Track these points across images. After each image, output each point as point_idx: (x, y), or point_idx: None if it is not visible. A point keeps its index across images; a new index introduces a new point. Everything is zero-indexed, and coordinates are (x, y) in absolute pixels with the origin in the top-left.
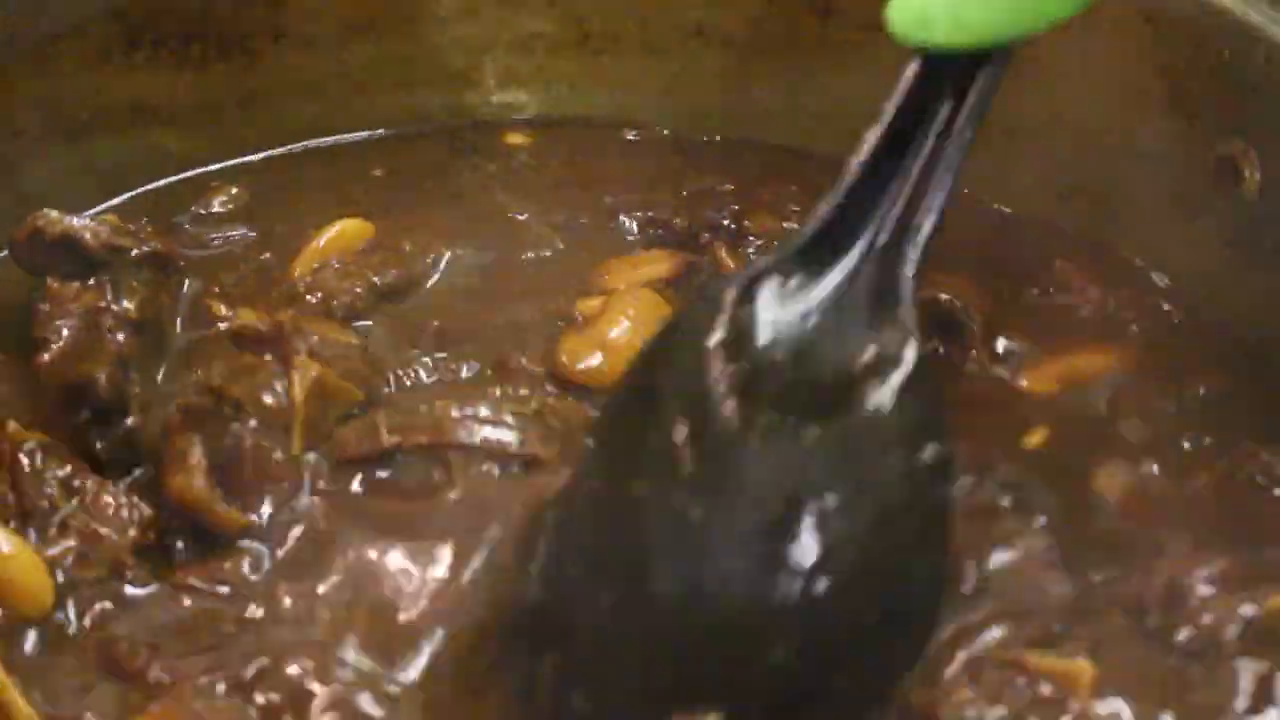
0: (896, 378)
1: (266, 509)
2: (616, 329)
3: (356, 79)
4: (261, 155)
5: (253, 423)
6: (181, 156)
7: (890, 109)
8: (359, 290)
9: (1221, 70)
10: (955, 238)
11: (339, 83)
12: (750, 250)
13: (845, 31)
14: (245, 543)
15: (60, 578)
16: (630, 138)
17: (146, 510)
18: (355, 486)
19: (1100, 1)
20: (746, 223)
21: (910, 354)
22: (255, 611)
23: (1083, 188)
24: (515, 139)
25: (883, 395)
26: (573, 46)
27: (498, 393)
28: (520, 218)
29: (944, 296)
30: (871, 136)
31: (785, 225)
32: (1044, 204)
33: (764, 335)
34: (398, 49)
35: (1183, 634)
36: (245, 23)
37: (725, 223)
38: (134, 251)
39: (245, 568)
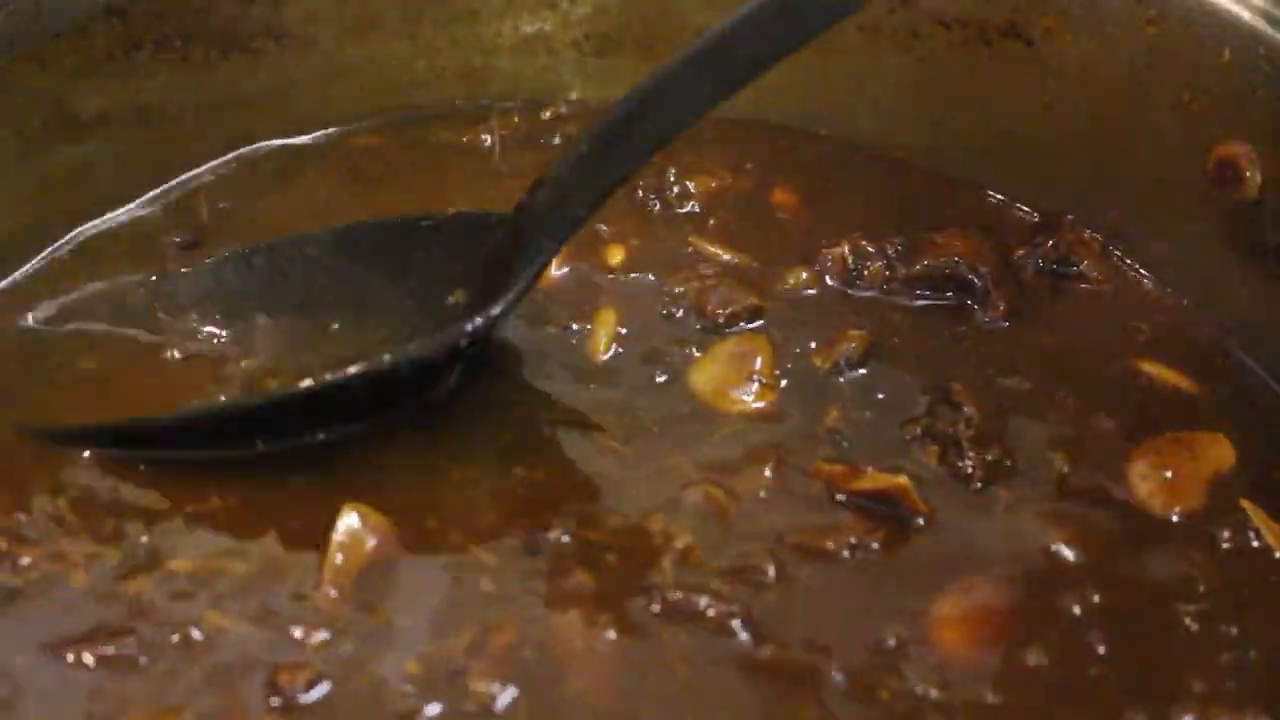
0: None
1: None
2: None
3: (357, 79)
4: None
5: None
6: (183, 156)
7: None
8: None
9: (1221, 70)
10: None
11: (339, 83)
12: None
13: (846, 33)
14: None
15: None
16: None
17: None
18: None
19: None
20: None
21: None
22: None
23: (1083, 187)
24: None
25: None
26: (574, 47)
27: None
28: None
29: (958, 259)
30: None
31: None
32: (1041, 199)
33: None
34: (398, 50)
35: None
36: (245, 23)
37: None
38: None
39: None
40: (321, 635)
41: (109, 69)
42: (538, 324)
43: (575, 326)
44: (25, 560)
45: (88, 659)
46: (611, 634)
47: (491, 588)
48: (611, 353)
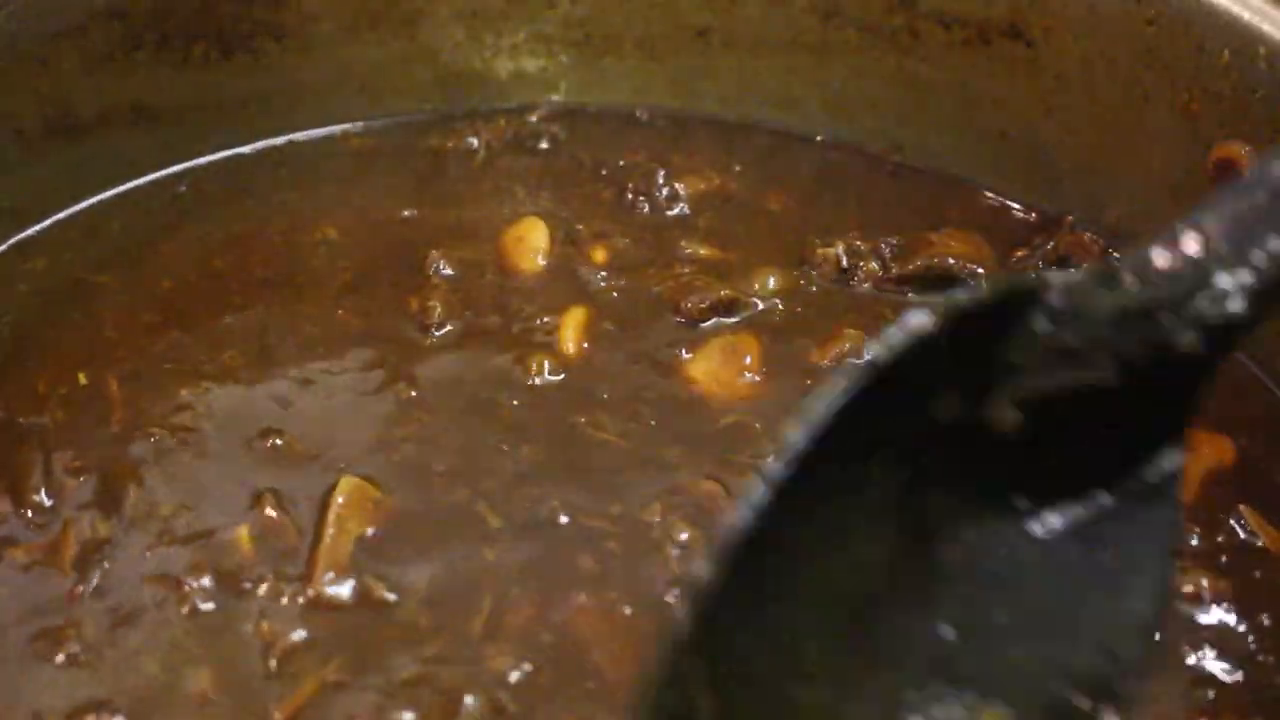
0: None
1: None
2: None
3: (357, 80)
4: (260, 153)
5: None
6: (183, 156)
7: None
8: None
9: (1221, 70)
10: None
11: (339, 83)
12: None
13: (846, 32)
14: None
15: None
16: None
17: None
18: None
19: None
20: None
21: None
22: None
23: (1083, 187)
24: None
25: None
26: (574, 48)
27: None
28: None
29: (951, 259)
30: None
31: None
32: (1041, 199)
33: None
34: (398, 50)
35: None
36: (246, 23)
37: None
38: None
39: None
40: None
41: (109, 69)
42: (509, 319)
43: (547, 319)
44: None
45: None
46: (627, 610)
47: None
48: (584, 351)
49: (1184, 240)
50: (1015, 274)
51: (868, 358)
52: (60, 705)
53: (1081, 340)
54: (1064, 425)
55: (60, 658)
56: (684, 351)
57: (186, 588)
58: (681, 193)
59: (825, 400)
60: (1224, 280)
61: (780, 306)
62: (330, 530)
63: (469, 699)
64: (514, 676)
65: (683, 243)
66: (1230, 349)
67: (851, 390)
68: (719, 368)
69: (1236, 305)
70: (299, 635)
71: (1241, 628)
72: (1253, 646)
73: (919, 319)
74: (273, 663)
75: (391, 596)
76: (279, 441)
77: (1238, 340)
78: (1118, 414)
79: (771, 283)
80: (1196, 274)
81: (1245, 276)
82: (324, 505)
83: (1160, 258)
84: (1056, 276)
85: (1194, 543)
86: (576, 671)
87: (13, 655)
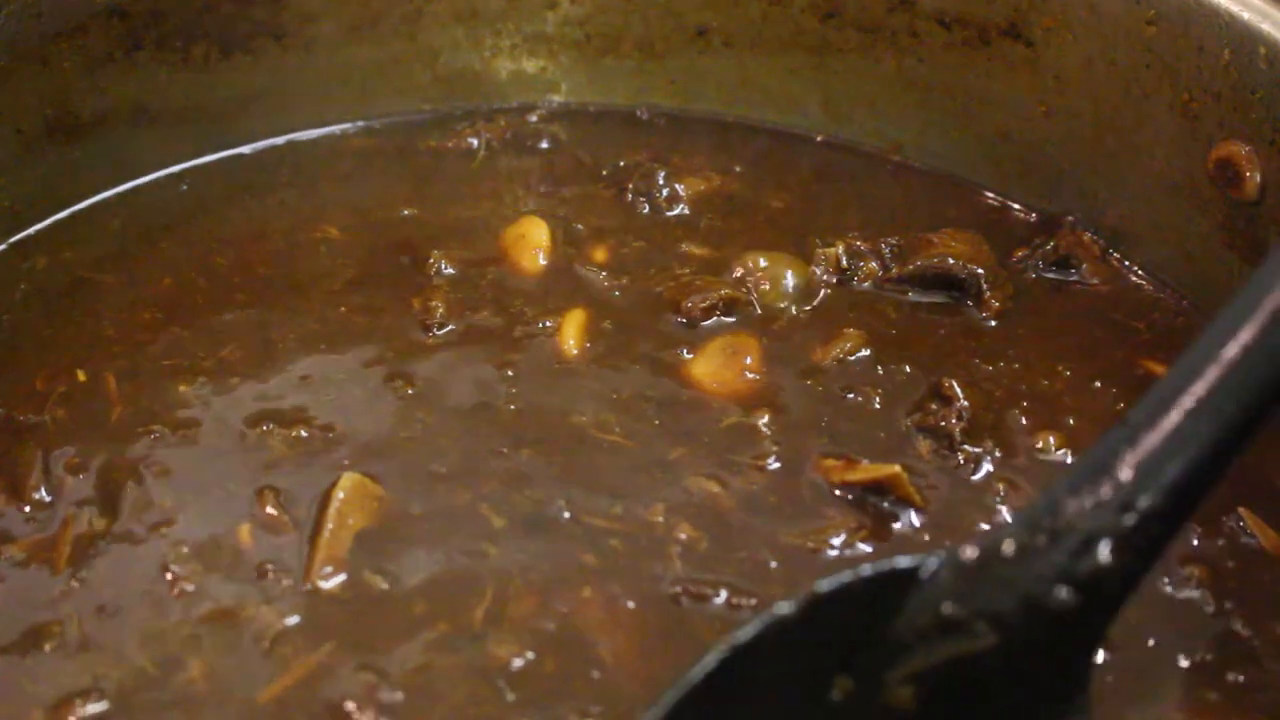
0: None
1: None
2: None
3: (356, 80)
4: (260, 153)
5: None
6: (183, 156)
7: None
8: None
9: (1221, 70)
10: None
11: (339, 83)
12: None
13: (846, 32)
14: None
15: None
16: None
17: None
18: None
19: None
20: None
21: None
22: None
23: (1083, 187)
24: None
25: None
26: (574, 48)
27: None
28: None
29: (952, 259)
30: None
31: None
32: (1041, 199)
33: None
34: (398, 50)
35: None
36: (245, 23)
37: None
38: None
39: None
40: None
41: (109, 69)
42: (510, 318)
43: (550, 323)
44: None
45: None
46: (630, 604)
47: (499, 561)
48: (585, 350)
49: (1047, 504)
50: (884, 560)
51: (728, 639)
52: (47, 693)
53: (960, 611)
54: (966, 696)
55: (50, 647)
56: (685, 352)
57: (182, 582)
58: (681, 193)
59: (676, 688)
60: (1089, 535)
61: (780, 306)
62: (330, 525)
63: (466, 683)
64: (516, 664)
65: (683, 243)
66: (1112, 605)
67: (703, 674)
68: (720, 368)
69: (1104, 556)
70: (292, 621)
71: (1241, 629)
72: (1253, 647)
73: (779, 605)
74: (263, 646)
75: (390, 589)
76: (279, 439)
77: (1117, 595)
78: (1017, 682)
79: (777, 284)
80: (1063, 534)
81: (1107, 529)
82: (324, 500)
83: (1024, 523)
84: (928, 557)
85: (1194, 544)
86: (580, 661)
87: (6, 647)
